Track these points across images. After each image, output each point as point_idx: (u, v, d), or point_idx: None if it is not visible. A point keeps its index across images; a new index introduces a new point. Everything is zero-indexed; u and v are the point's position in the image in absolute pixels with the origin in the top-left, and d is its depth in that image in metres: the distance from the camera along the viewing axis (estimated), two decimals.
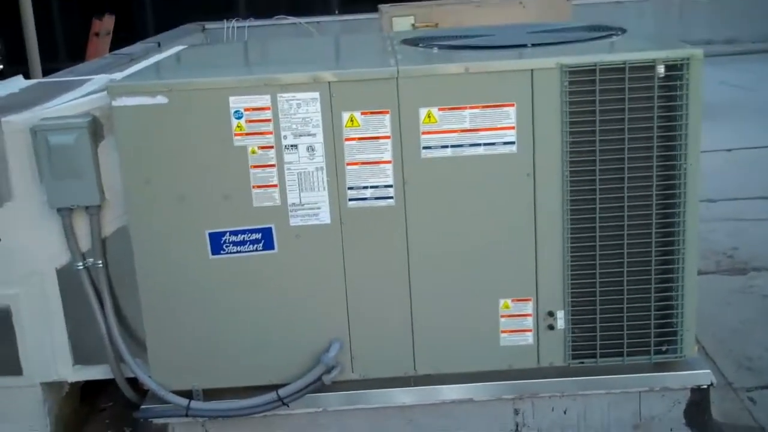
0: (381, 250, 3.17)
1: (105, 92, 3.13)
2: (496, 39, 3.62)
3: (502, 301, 3.23)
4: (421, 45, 3.61)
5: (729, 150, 7.18)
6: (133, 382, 3.45)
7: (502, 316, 3.25)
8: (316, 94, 3.03)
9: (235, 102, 3.02)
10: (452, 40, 3.62)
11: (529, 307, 3.24)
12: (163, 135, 3.04)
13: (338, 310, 3.22)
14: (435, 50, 3.48)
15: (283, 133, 3.05)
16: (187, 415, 3.24)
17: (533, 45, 3.39)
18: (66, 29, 13.41)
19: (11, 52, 13.32)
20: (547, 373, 3.31)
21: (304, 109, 3.03)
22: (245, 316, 3.21)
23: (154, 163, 3.06)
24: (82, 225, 3.24)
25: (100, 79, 3.91)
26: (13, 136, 3.17)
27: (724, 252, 5.15)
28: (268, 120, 3.04)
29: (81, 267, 3.26)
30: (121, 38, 9.34)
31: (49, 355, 3.39)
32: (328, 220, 3.13)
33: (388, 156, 3.09)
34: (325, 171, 3.09)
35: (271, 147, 3.06)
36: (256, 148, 3.06)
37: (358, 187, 3.11)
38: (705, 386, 3.33)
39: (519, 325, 3.25)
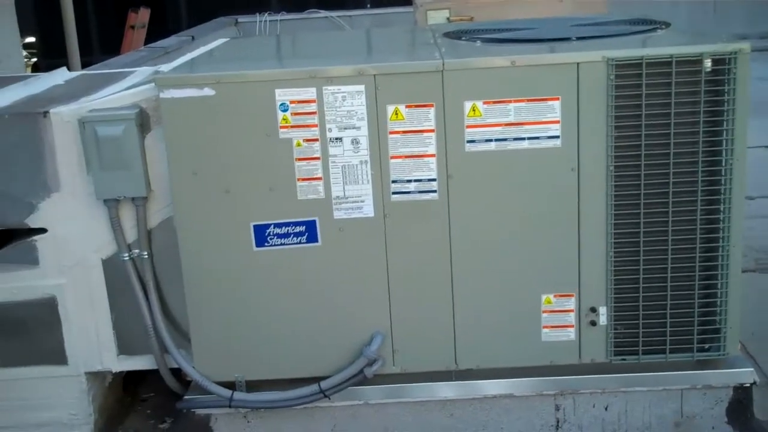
0: (424, 243, 3.17)
1: (152, 84, 3.15)
2: (540, 32, 3.60)
3: (544, 297, 3.22)
4: (464, 38, 3.60)
5: (767, 147, 7.10)
6: (176, 373, 3.48)
7: (544, 312, 3.23)
8: (362, 87, 3.03)
9: (281, 94, 3.03)
10: (495, 34, 3.60)
11: (571, 303, 3.22)
12: (210, 127, 3.05)
13: (380, 303, 3.22)
14: (478, 43, 3.47)
15: (328, 126, 3.06)
16: (230, 406, 3.26)
17: (578, 38, 3.37)
18: (100, 23, 13.52)
19: (45, 46, 13.48)
20: (588, 370, 3.30)
21: (349, 101, 3.04)
22: (288, 308, 3.23)
23: (200, 156, 3.08)
24: (128, 216, 3.26)
25: (143, 71, 3.94)
26: (62, 128, 3.20)
27: (763, 249, 5.09)
28: (314, 113, 3.05)
29: (127, 258, 3.28)
30: (155, 31, 9.40)
31: (94, 345, 3.42)
32: (371, 214, 3.14)
33: (432, 149, 3.08)
34: (369, 164, 3.09)
35: (316, 140, 3.07)
36: (301, 141, 3.07)
37: (402, 181, 3.11)
38: (747, 384, 3.31)
39: (561, 320, 3.24)
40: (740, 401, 3.33)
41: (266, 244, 3.15)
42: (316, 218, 3.14)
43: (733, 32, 10.78)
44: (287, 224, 3.14)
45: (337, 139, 3.07)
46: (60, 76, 4.03)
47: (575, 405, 3.35)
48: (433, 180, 3.11)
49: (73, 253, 3.32)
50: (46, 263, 3.32)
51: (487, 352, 3.28)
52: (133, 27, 9.51)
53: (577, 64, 3.02)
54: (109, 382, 3.67)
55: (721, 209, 3.11)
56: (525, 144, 3.08)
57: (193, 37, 7.83)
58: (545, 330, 3.25)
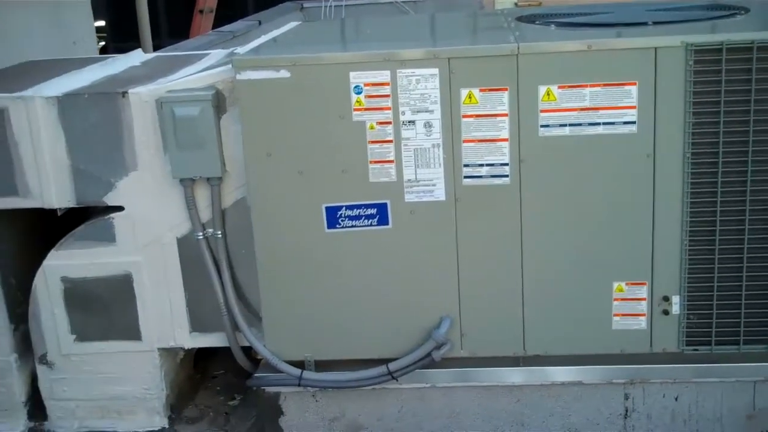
0: (494, 228, 3.16)
1: (227, 66, 3.19)
2: (615, 17, 3.55)
3: (615, 284, 3.19)
4: (537, 22, 3.57)
5: None
6: (245, 351, 3.53)
7: (616, 300, 3.20)
8: (436, 70, 3.02)
9: (356, 77, 3.04)
10: (570, 18, 3.57)
11: (643, 291, 3.18)
12: (285, 109, 3.08)
13: (449, 287, 3.22)
14: (552, 27, 3.44)
15: (401, 109, 3.06)
16: (299, 385, 3.30)
17: (654, 23, 3.32)
18: (168, 7, 13.71)
19: (114, 30, 13.71)
20: (659, 359, 3.26)
21: (422, 85, 3.03)
22: (358, 289, 3.25)
23: (274, 137, 3.11)
24: (202, 196, 3.32)
25: (217, 54, 3.99)
26: (140, 108, 3.26)
27: None
28: (387, 96, 3.05)
29: (201, 237, 3.34)
30: (222, 16, 9.49)
31: (167, 321, 3.49)
32: (442, 197, 3.14)
33: (505, 134, 3.07)
34: (441, 148, 3.09)
35: (390, 123, 3.07)
36: (374, 124, 3.08)
37: (474, 165, 3.10)
38: None
39: (632, 309, 3.20)
40: None
41: (338, 225, 3.18)
42: (388, 201, 3.15)
43: None
44: (359, 206, 3.16)
45: (410, 122, 3.07)
46: (136, 57, 4.11)
47: (645, 394, 3.31)
48: (506, 164, 3.09)
49: (148, 231, 3.39)
50: (123, 241, 3.40)
51: (556, 339, 3.26)
52: (201, 11, 9.62)
53: (655, 48, 2.97)
54: (181, 359, 3.75)
55: None
56: (600, 129, 3.04)
57: (260, 22, 7.89)
58: (616, 318, 3.22)
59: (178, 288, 3.44)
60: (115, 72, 3.77)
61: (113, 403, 3.60)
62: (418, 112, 3.06)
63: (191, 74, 3.39)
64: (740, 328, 3.16)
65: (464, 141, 3.08)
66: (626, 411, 3.34)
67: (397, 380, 3.28)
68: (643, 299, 3.19)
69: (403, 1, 10.00)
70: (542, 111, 3.04)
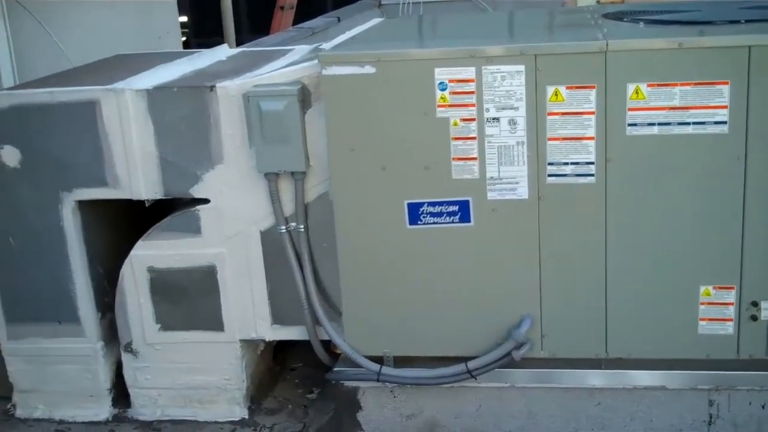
0: (578, 228, 3.12)
1: (313, 61, 3.22)
2: (706, 14, 3.47)
3: (702, 288, 3.11)
4: (625, 19, 3.51)
5: None
6: (324, 345, 3.56)
7: (702, 304, 3.13)
8: (522, 67, 2.99)
9: (440, 73, 3.03)
10: (659, 15, 3.50)
11: (731, 296, 3.10)
12: (369, 104, 3.09)
13: (531, 286, 3.19)
14: (641, 25, 3.37)
15: (485, 106, 3.04)
16: (378, 380, 3.31)
17: (747, 21, 3.23)
18: (250, 3, 13.92)
19: (196, 26, 13.97)
20: (746, 366, 3.17)
21: (508, 81, 3.01)
22: (438, 287, 3.24)
23: (358, 132, 3.12)
24: (286, 190, 3.35)
25: (301, 49, 4.03)
26: (226, 101, 3.30)
27: None
28: (472, 92, 3.04)
29: (284, 231, 3.37)
30: (302, 12, 9.58)
31: (249, 313, 3.53)
32: (525, 196, 3.11)
33: (591, 132, 3.02)
34: (525, 145, 3.06)
35: (473, 119, 3.06)
36: (458, 120, 3.06)
37: (559, 163, 3.06)
38: None
39: (719, 313, 3.12)
40: None
41: (419, 222, 3.17)
42: (470, 198, 3.13)
43: None
44: (441, 203, 3.15)
45: (494, 119, 3.05)
46: (222, 52, 4.17)
47: (730, 401, 3.23)
48: (591, 163, 3.05)
49: (233, 223, 3.44)
50: (208, 233, 3.45)
51: (639, 342, 3.20)
52: (282, 8, 9.72)
53: (749, 47, 2.89)
54: (261, 351, 3.80)
55: None
56: (689, 129, 2.97)
57: (339, 19, 7.94)
58: (702, 322, 3.14)
59: (260, 281, 3.48)
60: (202, 66, 3.83)
61: (195, 392, 3.67)
62: (502, 109, 3.04)
63: (277, 69, 3.43)
64: None
65: (549, 139, 3.04)
66: (710, 418, 3.26)
67: (475, 379, 3.26)
68: (731, 304, 3.11)
69: None
70: (630, 109, 2.98)
